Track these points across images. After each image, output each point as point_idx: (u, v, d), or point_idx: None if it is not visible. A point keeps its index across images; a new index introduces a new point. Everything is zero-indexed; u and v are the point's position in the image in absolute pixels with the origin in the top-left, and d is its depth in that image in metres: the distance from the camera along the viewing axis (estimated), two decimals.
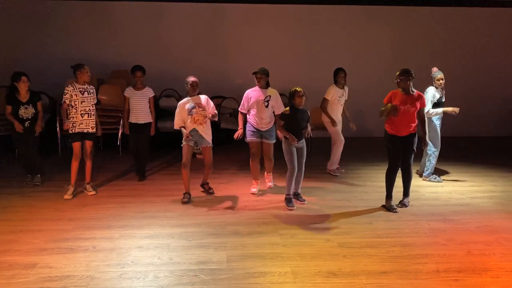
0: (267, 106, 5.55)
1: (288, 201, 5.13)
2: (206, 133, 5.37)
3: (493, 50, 9.98)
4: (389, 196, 5.11)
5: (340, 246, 4.05)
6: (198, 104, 5.33)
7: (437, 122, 6.27)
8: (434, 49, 9.89)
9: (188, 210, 5.00)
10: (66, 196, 5.35)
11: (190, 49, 9.48)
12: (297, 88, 5.00)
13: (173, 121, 8.38)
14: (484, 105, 9.90)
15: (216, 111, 5.48)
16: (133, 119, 6.12)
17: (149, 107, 6.19)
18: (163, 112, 8.48)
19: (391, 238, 4.25)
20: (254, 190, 5.73)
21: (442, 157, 7.93)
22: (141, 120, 6.13)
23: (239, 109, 5.76)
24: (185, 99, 5.42)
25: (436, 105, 6.11)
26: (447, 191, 5.86)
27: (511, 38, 9.98)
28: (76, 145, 5.45)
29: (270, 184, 6.01)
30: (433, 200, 5.48)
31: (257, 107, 5.55)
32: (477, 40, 9.97)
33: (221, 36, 9.51)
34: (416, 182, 6.30)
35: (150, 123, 6.22)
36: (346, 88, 6.58)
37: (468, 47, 9.96)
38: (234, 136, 5.59)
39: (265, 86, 5.60)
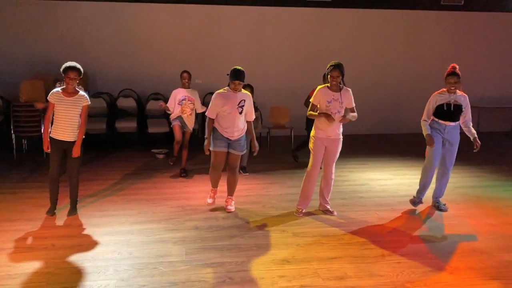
0: (241, 113, 4.74)
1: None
2: (189, 122, 6.38)
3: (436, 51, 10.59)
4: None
5: (295, 236, 4.28)
6: (189, 98, 6.28)
7: (433, 131, 4.97)
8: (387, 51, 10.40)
9: (147, 208, 5.09)
10: None
11: (148, 49, 9.49)
12: (245, 86, 5.80)
13: (132, 121, 8.50)
14: None
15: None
16: (58, 134, 4.55)
17: (80, 118, 4.63)
18: (121, 112, 8.50)
19: (342, 227, 4.52)
20: (210, 200, 5.14)
21: (392, 152, 8.41)
22: (69, 137, 4.57)
23: (207, 114, 4.81)
24: (179, 89, 6.32)
25: (440, 112, 4.90)
26: (395, 184, 6.23)
27: (452, 39, 10.63)
28: None
29: (231, 207, 5.00)
30: (382, 192, 5.83)
31: (228, 114, 4.69)
32: (423, 42, 10.55)
33: (180, 36, 9.58)
34: (366, 175, 6.66)
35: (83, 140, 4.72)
36: (345, 92, 4.65)
37: (415, 49, 10.54)
38: (205, 152, 4.86)
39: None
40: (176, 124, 6.38)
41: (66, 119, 4.53)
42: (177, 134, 6.40)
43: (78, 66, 4.52)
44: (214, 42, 9.70)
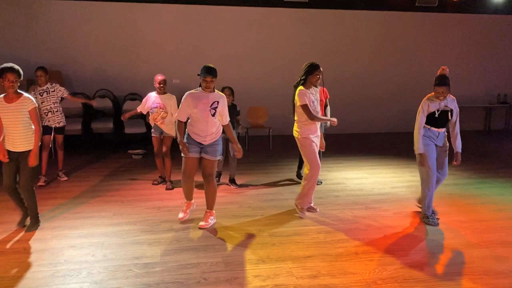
0: (213, 115, 4.38)
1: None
2: (168, 129, 5.77)
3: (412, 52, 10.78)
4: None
5: (270, 236, 4.31)
6: (161, 105, 5.70)
7: (426, 140, 4.70)
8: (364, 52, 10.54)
9: (123, 209, 5.05)
10: (40, 183, 5.93)
11: (125, 49, 9.41)
12: (225, 88, 5.74)
13: (108, 122, 8.41)
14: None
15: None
16: (7, 145, 4.22)
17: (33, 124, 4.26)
18: (97, 113, 8.41)
19: (317, 226, 4.57)
20: (181, 215, 4.67)
21: (368, 151, 8.53)
22: (18, 147, 4.20)
23: (176, 117, 4.50)
24: (153, 94, 5.82)
25: (432, 120, 4.66)
26: (370, 182, 6.33)
27: (428, 40, 10.83)
28: (45, 138, 5.89)
29: (202, 224, 4.53)
30: (357, 190, 5.92)
31: (200, 116, 4.35)
32: (400, 43, 10.73)
33: (158, 36, 9.53)
34: (342, 175, 6.74)
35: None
36: (318, 89, 4.96)
37: (390, 50, 10.71)
38: (183, 153, 4.43)
39: (213, 89, 4.45)
40: (153, 136, 5.88)
41: (11, 127, 4.14)
42: (155, 146, 5.91)
43: (17, 67, 4.13)
44: (192, 43, 9.67)
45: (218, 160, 4.64)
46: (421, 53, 10.69)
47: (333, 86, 9.72)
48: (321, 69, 4.72)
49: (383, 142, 9.60)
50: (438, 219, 4.77)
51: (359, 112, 10.67)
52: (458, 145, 4.75)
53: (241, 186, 6.06)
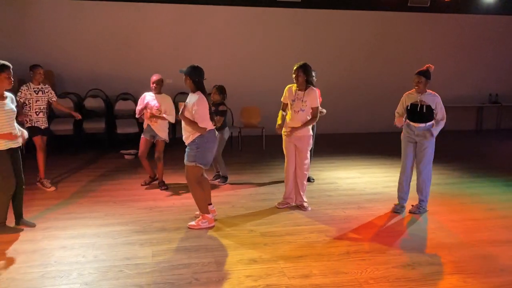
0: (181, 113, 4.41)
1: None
2: (160, 130, 5.75)
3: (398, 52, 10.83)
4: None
5: (262, 236, 4.31)
6: (157, 106, 5.68)
7: (405, 142, 4.99)
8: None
9: (114, 210, 5.02)
10: (47, 188, 5.79)
11: (117, 48, 9.36)
12: (214, 86, 5.75)
13: (99, 122, 8.35)
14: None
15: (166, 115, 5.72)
16: (7, 144, 4.18)
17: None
18: (89, 113, 8.35)
19: (309, 226, 4.57)
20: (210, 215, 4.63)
21: (361, 151, 8.55)
22: (12, 144, 4.22)
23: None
24: (149, 94, 5.78)
25: (407, 113, 4.89)
26: (363, 182, 6.34)
27: (419, 40, 10.88)
28: (37, 139, 5.68)
29: (203, 224, 4.50)
30: (350, 190, 5.93)
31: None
32: (388, 42, 10.77)
33: (150, 35, 9.48)
34: (335, 174, 6.75)
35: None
36: (309, 92, 4.84)
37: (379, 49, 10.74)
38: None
39: (194, 89, 4.43)
40: (142, 138, 5.83)
41: (7, 125, 4.10)
42: (140, 148, 5.84)
43: (6, 63, 4.11)
44: (184, 42, 9.64)
45: (194, 165, 4.36)
46: (413, 53, 10.73)
47: (326, 86, 9.77)
48: (301, 70, 4.79)
49: (376, 142, 9.64)
50: (403, 208, 5.09)
51: (352, 111, 10.70)
52: (435, 129, 4.81)
53: (233, 185, 6.04)
